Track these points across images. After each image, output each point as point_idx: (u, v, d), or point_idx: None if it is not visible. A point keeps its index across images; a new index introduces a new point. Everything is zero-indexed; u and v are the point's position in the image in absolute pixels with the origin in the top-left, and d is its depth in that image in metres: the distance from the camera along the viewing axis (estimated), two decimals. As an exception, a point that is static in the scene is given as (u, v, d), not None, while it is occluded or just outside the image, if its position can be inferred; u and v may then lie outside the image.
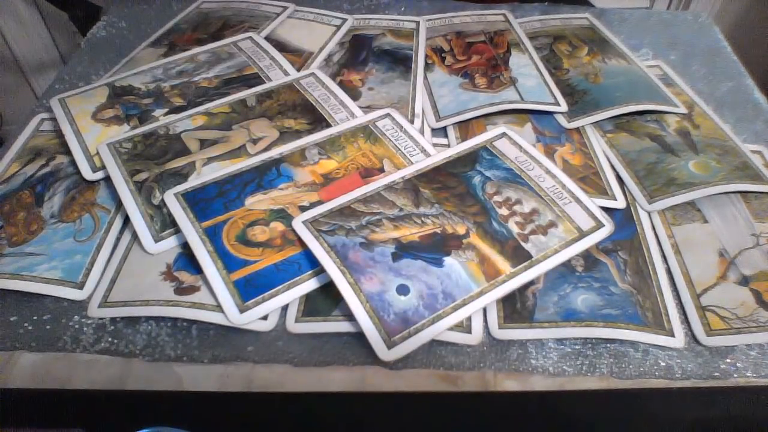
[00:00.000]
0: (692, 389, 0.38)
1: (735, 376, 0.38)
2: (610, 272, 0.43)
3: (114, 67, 0.62)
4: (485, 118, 0.56)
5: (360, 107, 0.55)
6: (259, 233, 0.43)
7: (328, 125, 0.53)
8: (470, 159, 0.49)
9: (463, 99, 0.57)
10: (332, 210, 0.44)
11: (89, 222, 0.46)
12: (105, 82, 0.57)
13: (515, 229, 0.43)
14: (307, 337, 0.40)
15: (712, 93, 0.61)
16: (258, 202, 0.45)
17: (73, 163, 0.50)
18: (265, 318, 0.40)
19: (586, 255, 0.44)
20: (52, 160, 0.51)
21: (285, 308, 0.41)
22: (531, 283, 0.41)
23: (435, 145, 0.53)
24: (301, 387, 0.38)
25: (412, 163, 0.49)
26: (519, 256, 0.42)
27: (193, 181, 0.47)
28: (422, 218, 0.44)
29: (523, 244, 0.42)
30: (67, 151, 0.50)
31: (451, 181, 0.47)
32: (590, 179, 0.50)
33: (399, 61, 0.61)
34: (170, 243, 0.44)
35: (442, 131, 0.55)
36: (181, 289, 0.41)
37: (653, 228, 0.47)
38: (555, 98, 0.56)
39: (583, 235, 0.43)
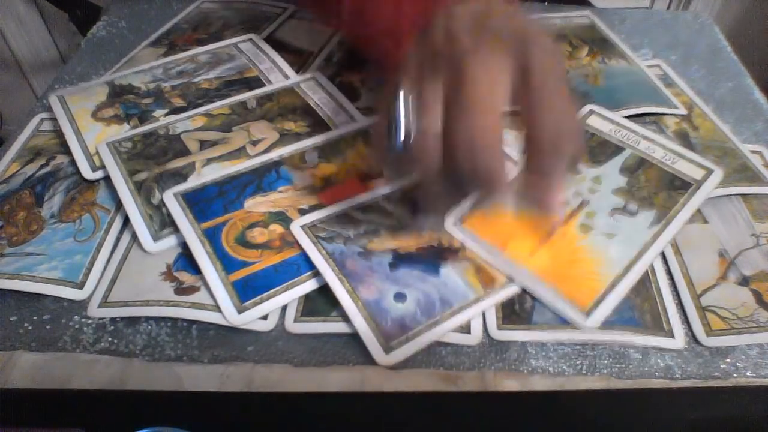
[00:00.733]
0: (692, 389, 0.38)
1: (735, 376, 0.38)
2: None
3: (114, 67, 0.62)
4: (485, 119, 0.55)
5: (359, 108, 0.55)
6: (258, 235, 0.43)
7: (328, 128, 0.53)
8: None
9: (463, 99, 0.57)
10: (330, 216, 0.44)
11: (89, 222, 0.46)
12: (105, 81, 0.57)
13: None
14: (306, 338, 0.40)
15: (712, 93, 0.61)
16: (257, 204, 0.45)
17: (73, 163, 0.50)
18: (265, 318, 0.40)
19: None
20: (52, 160, 0.51)
21: (284, 308, 0.41)
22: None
23: (435, 145, 0.53)
24: (301, 387, 0.38)
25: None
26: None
27: (192, 182, 0.47)
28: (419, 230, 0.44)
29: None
30: (67, 152, 0.50)
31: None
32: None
33: (399, 62, 0.61)
34: (170, 242, 0.44)
35: (442, 132, 0.55)
36: (181, 290, 0.41)
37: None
38: (555, 98, 0.56)
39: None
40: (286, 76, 0.59)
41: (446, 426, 0.38)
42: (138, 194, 0.46)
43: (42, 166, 0.50)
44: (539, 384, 0.38)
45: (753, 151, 0.53)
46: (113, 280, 0.42)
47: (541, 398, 0.38)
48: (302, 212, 0.45)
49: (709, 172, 0.47)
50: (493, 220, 0.44)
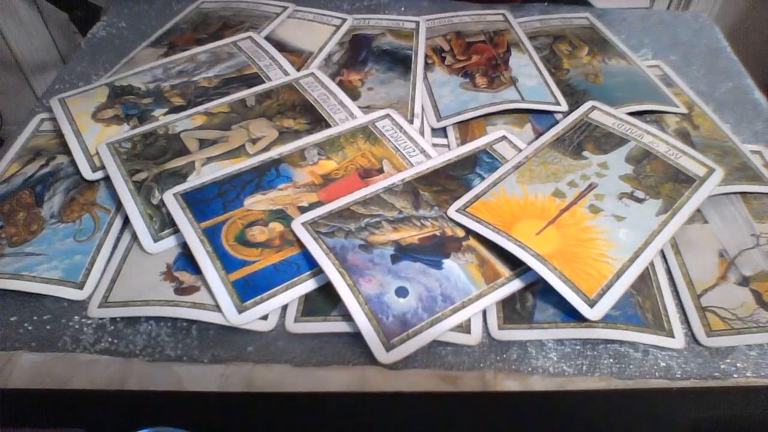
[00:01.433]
0: (692, 389, 0.38)
1: (735, 376, 0.38)
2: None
3: (114, 67, 0.62)
4: (485, 119, 0.56)
5: (359, 107, 0.55)
6: (258, 234, 0.43)
7: (328, 125, 0.53)
8: (470, 162, 0.49)
9: (463, 99, 0.57)
10: (331, 212, 0.44)
11: (89, 222, 0.46)
12: (105, 82, 0.58)
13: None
14: (306, 337, 0.40)
15: (712, 93, 0.61)
16: (257, 203, 0.45)
17: (73, 163, 0.50)
18: (265, 318, 0.40)
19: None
20: (52, 160, 0.51)
21: (284, 308, 0.41)
22: (531, 283, 0.41)
23: (434, 145, 0.53)
24: (301, 387, 0.38)
25: (411, 164, 0.49)
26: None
27: (192, 181, 0.47)
28: (422, 221, 0.44)
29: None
30: (67, 151, 0.50)
31: (450, 184, 0.47)
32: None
33: (399, 61, 0.61)
34: (169, 243, 0.44)
35: (442, 131, 0.55)
36: (181, 289, 0.41)
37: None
38: (555, 98, 0.56)
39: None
40: (286, 73, 0.59)
41: (446, 426, 0.38)
42: (138, 194, 0.46)
43: (42, 166, 0.50)
44: (539, 384, 0.38)
45: (753, 151, 0.53)
46: (113, 280, 0.42)
47: (541, 398, 0.38)
48: (302, 210, 0.45)
49: (711, 170, 0.47)
50: (498, 206, 0.44)
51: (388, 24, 0.67)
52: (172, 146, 0.50)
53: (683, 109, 0.56)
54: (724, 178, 0.47)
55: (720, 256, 0.44)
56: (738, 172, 0.49)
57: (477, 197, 0.45)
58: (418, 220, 0.44)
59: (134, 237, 0.44)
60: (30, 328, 0.40)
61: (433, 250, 0.42)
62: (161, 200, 0.45)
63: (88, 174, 0.49)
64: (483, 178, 0.48)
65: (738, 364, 0.39)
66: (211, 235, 0.43)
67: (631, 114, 0.54)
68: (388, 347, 0.37)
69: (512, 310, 0.41)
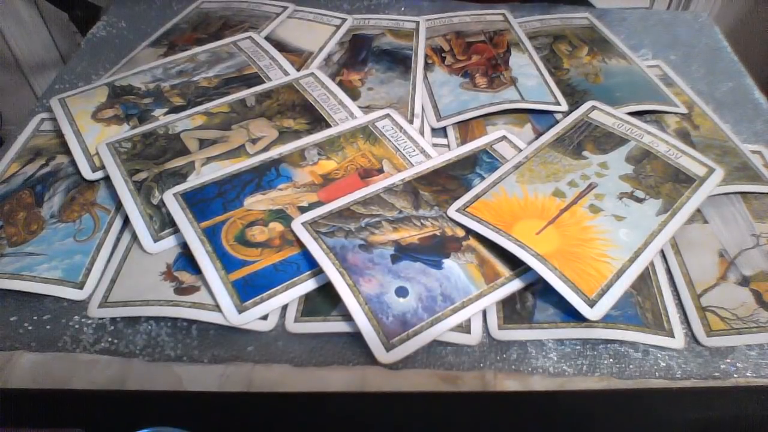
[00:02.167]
0: (692, 389, 0.38)
1: (735, 376, 0.38)
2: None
3: (114, 67, 0.62)
4: (485, 119, 0.56)
5: (359, 107, 0.55)
6: (257, 233, 0.43)
7: (328, 125, 0.53)
8: (470, 162, 0.49)
9: (463, 99, 0.57)
10: (332, 212, 0.44)
11: (89, 222, 0.46)
12: (105, 82, 0.58)
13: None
14: (306, 337, 0.40)
15: (712, 93, 0.61)
16: (257, 203, 0.45)
17: (73, 163, 0.50)
18: (265, 318, 0.40)
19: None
20: (52, 160, 0.51)
21: (284, 308, 0.41)
22: (531, 283, 0.41)
23: (434, 145, 0.53)
24: (301, 387, 0.38)
25: (411, 163, 0.49)
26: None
27: (192, 181, 0.47)
28: (421, 220, 0.44)
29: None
30: (67, 151, 0.50)
31: (450, 184, 0.47)
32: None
33: (398, 61, 0.61)
34: (169, 243, 0.44)
35: (442, 131, 0.55)
36: (181, 289, 0.41)
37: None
38: (555, 98, 0.56)
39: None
40: (286, 73, 0.59)
41: (446, 426, 0.38)
42: (138, 194, 0.46)
43: (42, 166, 0.50)
44: (539, 384, 0.38)
45: (753, 151, 0.53)
46: (113, 280, 0.42)
47: (541, 398, 0.38)
48: (302, 210, 0.45)
49: (711, 170, 0.47)
50: (498, 206, 0.44)
51: (388, 24, 0.67)
52: (172, 146, 0.50)
53: (683, 109, 0.56)
54: (725, 178, 0.47)
55: (720, 256, 0.44)
56: (738, 172, 0.49)
57: (477, 197, 0.45)
58: (418, 220, 0.44)
59: (134, 237, 0.44)
60: (30, 328, 0.40)
61: (433, 250, 0.42)
62: (161, 200, 0.45)
63: (88, 174, 0.49)
64: (483, 178, 0.48)
65: (738, 364, 0.39)
66: (211, 235, 0.43)
67: (631, 114, 0.54)
68: (388, 347, 0.37)
69: (512, 310, 0.41)
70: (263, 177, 0.47)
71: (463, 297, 0.40)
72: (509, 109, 0.55)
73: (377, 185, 0.46)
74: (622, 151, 0.49)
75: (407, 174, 0.48)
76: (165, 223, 0.44)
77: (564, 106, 0.56)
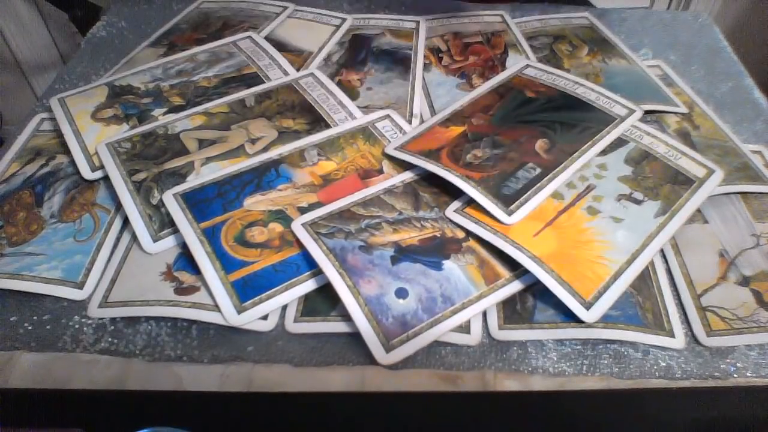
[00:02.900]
0: (692, 389, 0.38)
1: (735, 376, 0.38)
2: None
3: (114, 67, 0.62)
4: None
5: (358, 107, 0.55)
6: (257, 234, 0.43)
7: (327, 125, 0.53)
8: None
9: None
10: (331, 213, 0.44)
11: (89, 222, 0.46)
12: (104, 82, 0.58)
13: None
14: (306, 337, 0.40)
15: (712, 93, 0.61)
16: (256, 203, 0.45)
17: (73, 163, 0.50)
18: (265, 318, 0.40)
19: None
20: (52, 160, 0.51)
21: (284, 308, 0.41)
22: (531, 284, 0.41)
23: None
24: (301, 387, 0.38)
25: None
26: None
27: (191, 182, 0.47)
28: (422, 222, 0.44)
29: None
30: (67, 151, 0.50)
31: (450, 185, 0.47)
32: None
33: (398, 61, 0.61)
34: (169, 243, 0.44)
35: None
36: (181, 289, 0.41)
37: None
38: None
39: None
40: (286, 73, 0.59)
41: (446, 426, 0.38)
42: (137, 194, 0.46)
43: (42, 166, 0.50)
44: (539, 384, 0.38)
45: (753, 151, 0.53)
46: (113, 280, 0.42)
47: (541, 398, 0.38)
48: (302, 210, 0.45)
49: (710, 171, 0.47)
50: None
51: (388, 24, 0.67)
52: (171, 146, 0.50)
53: (684, 109, 0.56)
54: (725, 178, 0.47)
55: (720, 256, 0.44)
56: (738, 172, 0.49)
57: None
58: (418, 221, 0.44)
59: (134, 237, 0.44)
60: (30, 328, 0.40)
61: (433, 252, 0.42)
62: (161, 200, 0.45)
63: (87, 173, 0.48)
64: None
65: (738, 364, 0.39)
66: (211, 236, 0.43)
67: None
68: (388, 348, 0.37)
69: (512, 310, 0.41)
70: (263, 177, 0.47)
71: (463, 298, 0.40)
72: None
73: (377, 186, 0.46)
74: (621, 153, 0.49)
75: (407, 175, 0.48)
76: (164, 224, 0.44)
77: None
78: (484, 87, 0.56)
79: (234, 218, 0.44)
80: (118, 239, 0.45)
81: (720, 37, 0.70)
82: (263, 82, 0.57)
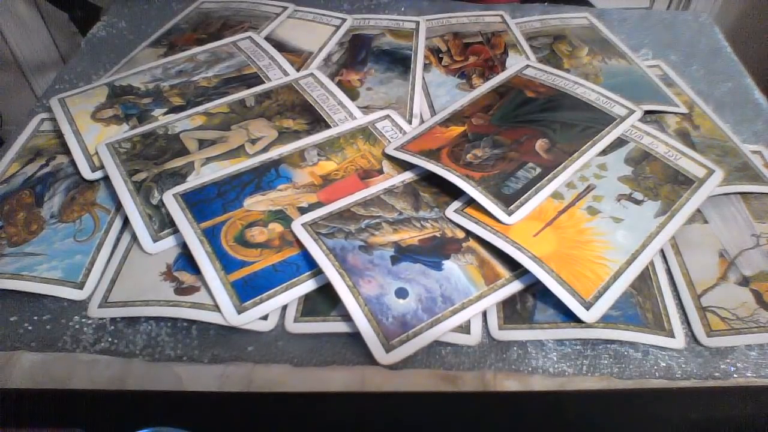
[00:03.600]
0: (692, 389, 0.38)
1: (735, 376, 0.38)
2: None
3: (114, 67, 0.62)
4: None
5: (358, 107, 0.55)
6: (257, 234, 0.43)
7: (327, 126, 0.53)
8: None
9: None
10: (332, 213, 0.44)
11: (89, 222, 0.46)
12: (104, 82, 0.58)
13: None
14: (306, 337, 0.40)
15: (712, 93, 0.61)
16: (257, 203, 0.45)
17: (73, 163, 0.50)
18: (265, 318, 0.40)
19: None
20: (52, 160, 0.51)
21: (284, 308, 0.41)
22: (531, 284, 0.41)
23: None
24: (301, 387, 0.38)
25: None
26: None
27: (192, 182, 0.47)
28: (422, 222, 0.44)
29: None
30: (67, 152, 0.50)
31: (450, 185, 0.47)
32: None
33: (398, 62, 0.61)
34: (169, 243, 0.44)
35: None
36: (181, 289, 0.41)
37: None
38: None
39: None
40: (285, 73, 0.59)
41: (446, 426, 0.38)
42: (137, 195, 0.46)
43: (42, 166, 0.50)
44: (539, 384, 0.38)
45: (753, 151, 0.53)
46: (113, 280, 0.42)
47: (541, 398, 0.38)
48: (302, 210, 0.45)
49: (710, 172, 0.47)
50: None
51: (388, 24, 0.67)
52: (171, 146, 0.50)
53: (684, 109, 0.56)
54: (725, 178, 0.47)
55: (720, 256, 0.44)
56: (738, 172, 0.49)
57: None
58: (418, 221, 0.44)
59: (134, 237, 0.44)
60: (30, 328, 0.40)
61: (433, 252, 0.42)
62: (161, 200, 0.45)
63: (87, 173, 0.48)
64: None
65: (738, 364, 0.39)
66: (211, 236, 0.43)
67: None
68: (388, 348, 0.37)
69: (512, 310, 0.41)
70: (263, 178, 0.47)
71: (463, 298, 0.40)
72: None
73: (377, 186, 0.46)
74: (621, 153, 0.49)
75: (407, 175, 0.48)
76: (164, 224, 0.44)
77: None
78: (484, 87, 0.56)
79: (234, 218, 0.44)
80: (118, 239, 0.45)
81: (720, 37, 0.70)
82: (263, 83, 0.57)
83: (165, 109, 0.54)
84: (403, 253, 0.42)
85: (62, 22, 1.12)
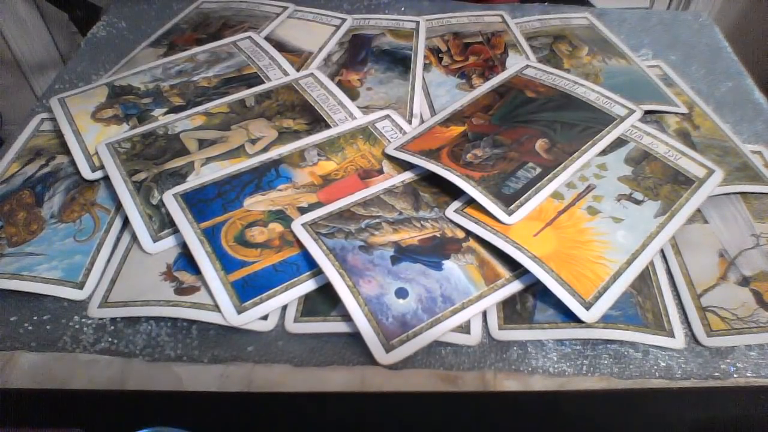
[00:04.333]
0: (692, 389, 0.38)
1: (735, 376, 0.38)
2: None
3: (114, 67, 0.62)
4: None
5: (358, 107, 0.55)
6: (257, 234, 0.43)
7: (327, 125, 0.53)
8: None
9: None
10: (331, 213, 0.44)
11: (89, 222, 0.46)
12: (104, 82, 0.58)
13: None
14: (306, 337, 0.40)
15: (712, 93, 0.61)
16: (256, 203, 0.45)
17: (73, 163, 0.50)
18: (265, 318, 0.40)
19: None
20: (52, 160, 0.51)
21: (284, 308, 0.41)
22: (531, 284, 0.41)
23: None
24: (301, 387, 0.38)
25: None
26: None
27: (191, 182, 0.47)
28: (422, 222, 0.44)
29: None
30: (67, 152, 0.50)
31: (450, 185, 0.47)
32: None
33: (398, 61, 0.61)
34: (169, 243, 0.44)
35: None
36: (181, 289, 0.41)
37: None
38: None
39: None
40: (285, 73, 0.59)
41: (446, 426, 0.38)
42: (137, 195, 0.46)
43: (42, 166, 0.50)
44: (539, 384, 0.38)
45: (753, 151, 0.53)
46: (113, 280, 0.42)
47: (541, 398, 0.38)
48: (302, 210, 0.45)
49: (710, 172, 0.47)
50: None
51: (388, 24, 0.67)
52: (171, 146, 0.50)
53: (684, 109, 0.56)
54: (725, 178, 0.47)
55: (720, 256, 0.44)
56: (738, 172, 0.49)
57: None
58: (418, 221, 0.44)
59: (134, 237, 0.44)
60: (30, 328, 0.40)
61: (433, 252, 0.42)
62: (161, 200, 0.45)
63: (87, 173, 0.49)
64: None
65: (738, 364, 0.39)
66: (211, 236, 0.43)
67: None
68: (388, 348, 0.37)
69: (512, 311, 0.41)
70: (263, 178, 0.47)
71: (463, 298, 0.40)
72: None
73: (377, 186, 0.46)
74: (621, 153, 0.49)
75: (407, 175, 0.48)
76: (164, 224, 0.44)
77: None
78: (484, 87, 0.56)
79: (234, 218, 0.44)
80: (118, 239, 0.45)
81: (720, 37, 0.70)
82: (263, 82, 0.57)
83: (165, 109, 0.54)
84: (403, 253, 0.42)
85: (62, 22, 1.12)
